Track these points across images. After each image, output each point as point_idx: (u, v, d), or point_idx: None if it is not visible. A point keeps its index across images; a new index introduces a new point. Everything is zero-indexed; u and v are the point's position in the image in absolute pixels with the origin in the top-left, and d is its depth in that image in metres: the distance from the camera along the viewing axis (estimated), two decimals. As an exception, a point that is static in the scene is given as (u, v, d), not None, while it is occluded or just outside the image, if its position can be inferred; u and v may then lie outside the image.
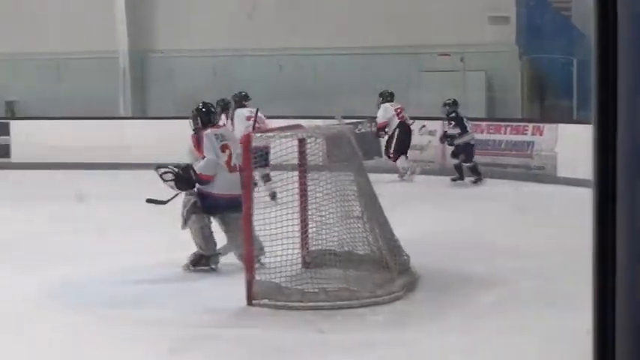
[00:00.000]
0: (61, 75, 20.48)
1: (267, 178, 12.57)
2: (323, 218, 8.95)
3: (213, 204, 8.61)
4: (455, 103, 15.82)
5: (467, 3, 18.90)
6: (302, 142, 8.95)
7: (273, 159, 9.61)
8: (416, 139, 16.25)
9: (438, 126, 16.55)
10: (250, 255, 7.57)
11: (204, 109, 9.40)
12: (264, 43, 19.25)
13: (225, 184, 8.59)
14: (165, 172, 8.82)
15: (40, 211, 11.62)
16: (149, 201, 11.25)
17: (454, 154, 15.38)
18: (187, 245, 8.80)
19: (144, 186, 10.75)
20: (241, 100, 14.20)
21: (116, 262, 8.86)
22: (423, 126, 16.94)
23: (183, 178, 8.78)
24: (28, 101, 20.36)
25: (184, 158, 9.45)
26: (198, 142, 8.91)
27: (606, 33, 1.18)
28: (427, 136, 17.08)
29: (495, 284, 9.02)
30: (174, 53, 20.05)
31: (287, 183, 9.08)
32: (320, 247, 8.97)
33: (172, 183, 8.86)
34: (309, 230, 9.04)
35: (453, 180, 15.44)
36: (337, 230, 8.82)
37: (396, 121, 15.60)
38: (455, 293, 8.29)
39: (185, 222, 8.68)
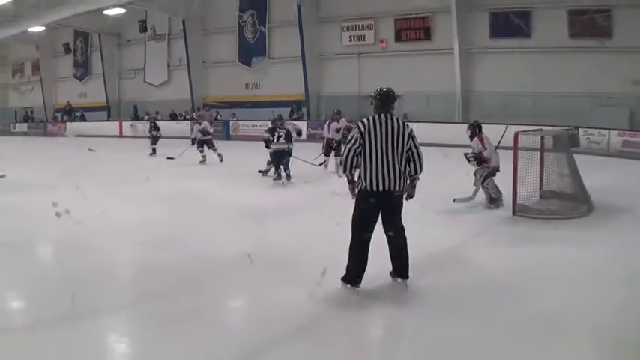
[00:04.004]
0: None
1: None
2: (550, 174, 14.22)
3: (494, 171, 13.80)
4: None
5: None
6: (542, 138, 14.37)
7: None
8: None
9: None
10: (515, 190, 12.91)
11: (479, 123, 14.40)
12: None
13: (497, 161, 13.76)
14: (470, 156, 14.04)
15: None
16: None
17: None
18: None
19: None
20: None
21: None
22: None
23: (479, 159, 13.87)
24: None
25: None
26: (482, 141, 13.85)
27: None
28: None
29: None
30: None
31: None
32: (548, 188, 14.27)
33: (474, 162, 14.00)
34: (544, 179, 14.24)
35: None
36: (556, 180, 14.17)
37: None
38: (614, 215, 13.06)
39: (483, 182, 13.81)
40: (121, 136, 40.16)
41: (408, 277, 8.02)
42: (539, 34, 31.65)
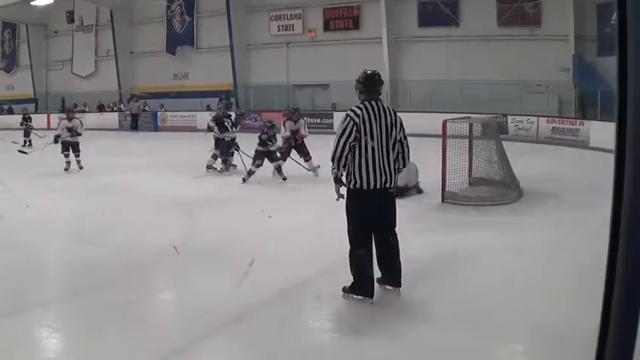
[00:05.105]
0: None
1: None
2: (479, 160, 14.55)
3: None
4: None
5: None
6: (470, 125, 14.58)
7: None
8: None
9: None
10: (444, 177, 13.29)
11: None
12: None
13: None
14: None
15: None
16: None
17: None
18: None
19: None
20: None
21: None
22: None
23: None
24: None
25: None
26: None
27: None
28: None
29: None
30: None
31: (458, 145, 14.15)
32: (477, 175, 14.61)
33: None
34: (473, 166, 14.56)
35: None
36: (485, 167, 14.47)
37: None
38: (543, 200, 13.43)
39: None
40: (48, 128, 38.41)
41: (400, 286, 7.26)
42: (468, 22, 32.29)
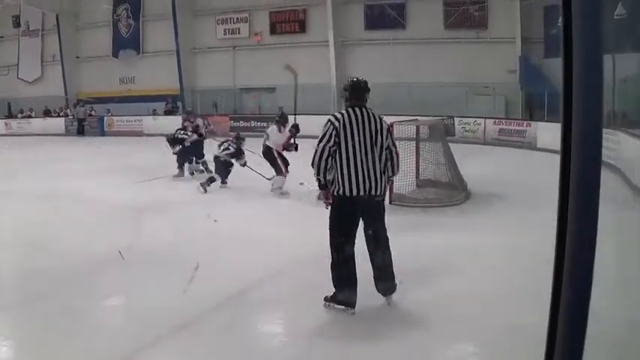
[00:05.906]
0: None
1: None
2: (426, 163, 14.87)
3: None
4: None
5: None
6: (417, 127, 14.95)
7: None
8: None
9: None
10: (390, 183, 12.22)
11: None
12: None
13: None
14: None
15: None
16: None
17: None
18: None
19: None
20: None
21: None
22: None
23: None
24: None
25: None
26: None
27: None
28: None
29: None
30: None
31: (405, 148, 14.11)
32: (424, 177, 14.89)
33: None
34: (420, 168, 14.85)
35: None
36: (433, 169, 14.80)
37: None
38: (491, 201, 13.76)
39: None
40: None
41: (391, 294, 7.16)
42: (415, 25, 32.82)
